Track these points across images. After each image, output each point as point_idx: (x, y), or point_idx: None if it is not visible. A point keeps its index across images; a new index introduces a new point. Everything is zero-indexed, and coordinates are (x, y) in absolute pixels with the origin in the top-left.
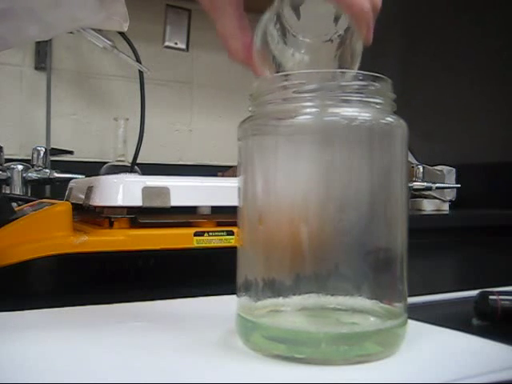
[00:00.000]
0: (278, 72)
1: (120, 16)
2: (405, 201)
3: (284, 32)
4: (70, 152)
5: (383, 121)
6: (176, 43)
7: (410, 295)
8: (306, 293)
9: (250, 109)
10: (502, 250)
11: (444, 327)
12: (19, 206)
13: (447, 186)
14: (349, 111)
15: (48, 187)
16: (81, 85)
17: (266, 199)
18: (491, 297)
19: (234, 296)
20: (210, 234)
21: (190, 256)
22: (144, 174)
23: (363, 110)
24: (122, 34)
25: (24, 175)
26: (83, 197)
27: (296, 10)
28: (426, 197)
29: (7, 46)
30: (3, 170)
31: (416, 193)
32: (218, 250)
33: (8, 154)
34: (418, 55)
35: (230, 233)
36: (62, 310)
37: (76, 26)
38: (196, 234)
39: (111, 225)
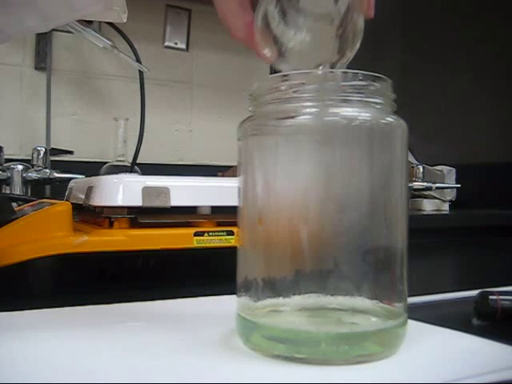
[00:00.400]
0: (279, 51)
1: (118, 7)
2: (405, 201)
3: (285, 13)
4: (70, 152)
5: (383, 121)
6: (176, 43)
7: (410, 295)
8: (306, 293)
9: (250, 109)
10: (502, 250)
11: (444, 327)
12: (19, 205)
13: (447, 186)
14: (349, 111)
15: (48, 187)
16: (81, 85)
17: (266, 199)
18: (491, 297)
19: (234, 296)
20: (210, 234)
21: (190, 256)
22: (144, 174)
23: (363, 110)
24: (122, 33)
25: (24, 175)
26: (83, 197)
27: None
28: (425, 197)
29: (6, 38)
30: (3, 170)
31: (416, 193)
32: (218, 250)
33: (8, 153)
34: (418, 55)
35: (230, 233)
36: (62, 310)
37: (75, 17)
38: (196, 234)
39: (111, 225)
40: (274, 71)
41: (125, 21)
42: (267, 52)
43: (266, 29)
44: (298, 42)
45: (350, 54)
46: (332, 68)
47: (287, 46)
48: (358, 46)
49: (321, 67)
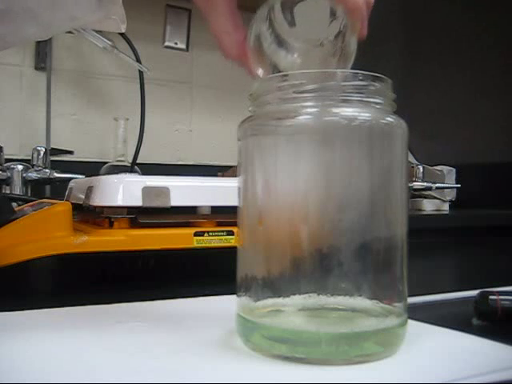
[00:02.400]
0: (272, 71)
1: (118, 16)
2: (405, 201)
3: (277, 35)
4: (70, 152)
5: (383, 121)
6: (176, 43)
7: (410, 295)
8: (306, 293)
9: (249, 109)
10: (502, 250)
11: (444, 327)
12: (19, 205)
13: (447, 186)
14: (349, 111)
15: (48, 187)
16: (81, 85)
17: (266, 199)
18: (491, 297)
19: (234, 296)
20: (210, 233)
21: (189, 256)
22: (144, 174)
23: (363, 110)
24: (122, 33)
25: (24, 175)
26: (83, 197)
27: (287, 15)
28: (425, 197)
29: (6, 46)
30: (3, 170)
31: (416, 193)
32: (218, 249)
33: (8, 153)
34: (419, 55)
35: (230, 233)
36: (62, 309)
37: (74, 26)
38: (196, 234)
39: (111, 225)
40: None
41: (124, 31)
42: (260, 71)
43: (259, 48)
44: (289, 63)
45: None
46: None
47: (279, 66)
48: (349, 65)
49: None
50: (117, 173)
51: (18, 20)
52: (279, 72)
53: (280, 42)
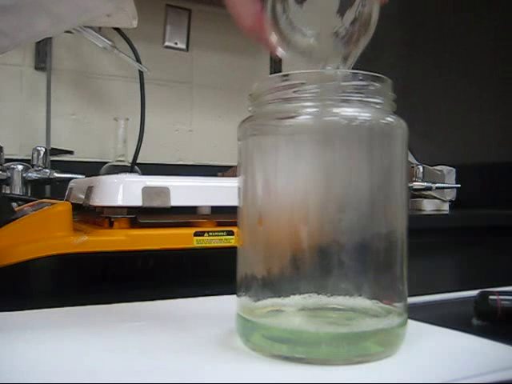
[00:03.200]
0: (288, 48)
1: (129, 10)
2: (405, 201)
3: (291, 21)
4: (70, 152)
5: (383, 121)
6: (176, 43)
7: (410, 295)
8: (306, 293)
9: (249, 109)
10: (502, 250)
11: (444, 327)
12: (19, 205)
13: (447, 186)
14: (349, 111)
15: (48, 187)
16: (81, 85)
17: (266, 199)
18: (491, 297)
19: (234, 296)
20: (210, 233)
21: (190, 256)
22: (144, 174)
23: (363, 110)
24: (122, 33)
25: (24, 175)
26: (83, 197)
27: (301, 4)
28: (426, 197)
29: (15, 44)
30: (3, 170)
31: (416, 193)
32: (218, 250)
33: (8, 153)
34: (419, 55)
35: (230, 233)
36: (62, 309)
37: (86, 19)
38: (196, 234)
39: (111, 225)
40: (274, 71)
41: (135, 26)
42: (275, 41)
43: (276, 24)
44: (306, 46)
45: (364, 42)
46: (344, 60)
47: (295, 46)
48: (371, 35)
49: (328, 67)
50: (117, 173)
51: (28, 15)
52: (296, 50)
53: (294, 27)
